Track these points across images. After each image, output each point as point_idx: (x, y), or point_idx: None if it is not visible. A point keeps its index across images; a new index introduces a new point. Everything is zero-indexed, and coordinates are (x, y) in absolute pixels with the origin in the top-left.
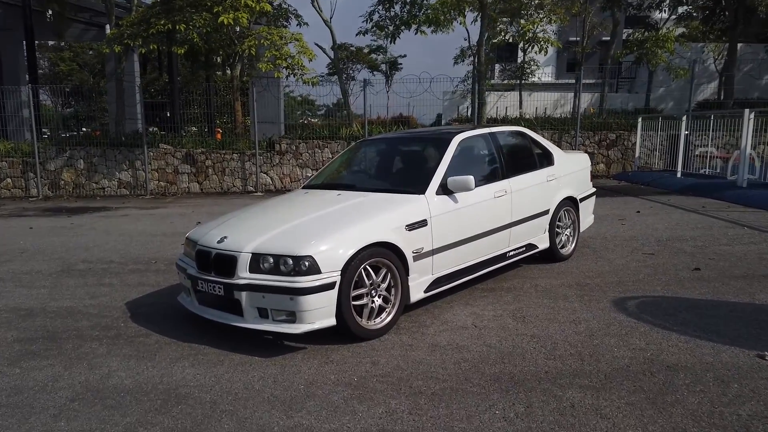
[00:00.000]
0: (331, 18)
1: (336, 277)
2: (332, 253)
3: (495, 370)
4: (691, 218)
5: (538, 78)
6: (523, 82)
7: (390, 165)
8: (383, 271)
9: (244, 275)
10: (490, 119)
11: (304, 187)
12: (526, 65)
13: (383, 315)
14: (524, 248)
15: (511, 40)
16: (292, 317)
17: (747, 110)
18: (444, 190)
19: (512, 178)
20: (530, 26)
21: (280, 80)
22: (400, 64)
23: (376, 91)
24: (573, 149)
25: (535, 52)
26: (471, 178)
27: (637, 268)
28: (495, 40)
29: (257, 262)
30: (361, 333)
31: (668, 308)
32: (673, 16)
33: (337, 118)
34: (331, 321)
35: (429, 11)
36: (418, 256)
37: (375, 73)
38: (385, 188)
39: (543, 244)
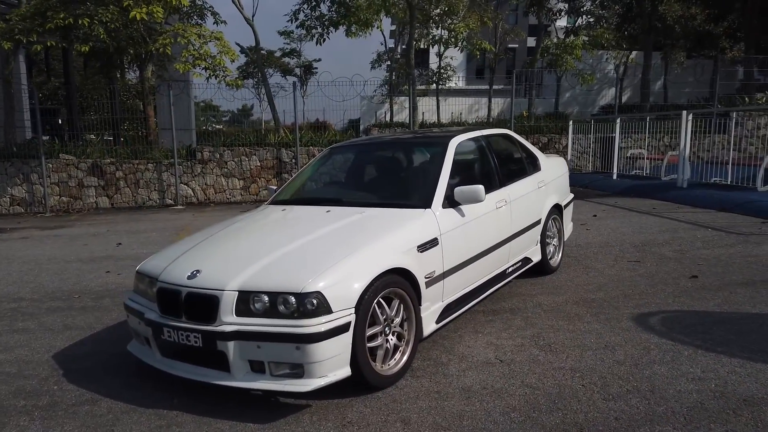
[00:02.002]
0: (253, 16)
1: (350, 317)
2: (343, 287)
3: (555, 419)
4: (650, 221)
5: (455, 83)
6: (439, 87)
7: (379, 175)
8: (396, 303)
9: (229, 320)
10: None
11: (273, 203)
12: (442, 70)
13: (397, 355)
14: (521, 263)
15: (432, 46)
16: (298, 370)
17: (684, 112)
18: (450, 202)
19: (509, 186)
20: (464, 28)
21: (191, 83)
22: (315, 68)
23: (286, 95)
24: None
25: (451, 58)
26: (481, 188)
27: (632, 278)
28: (422, 45)
29: (246, 302)
30: (377, 381)
31: (695, 324)
32: (584, 20)
33: (244, 125)
34: (346, 371)
35: (357, 11)
36: (431, 281)
37: (287, 77)
38: (380, 202)
39: (536, 256)
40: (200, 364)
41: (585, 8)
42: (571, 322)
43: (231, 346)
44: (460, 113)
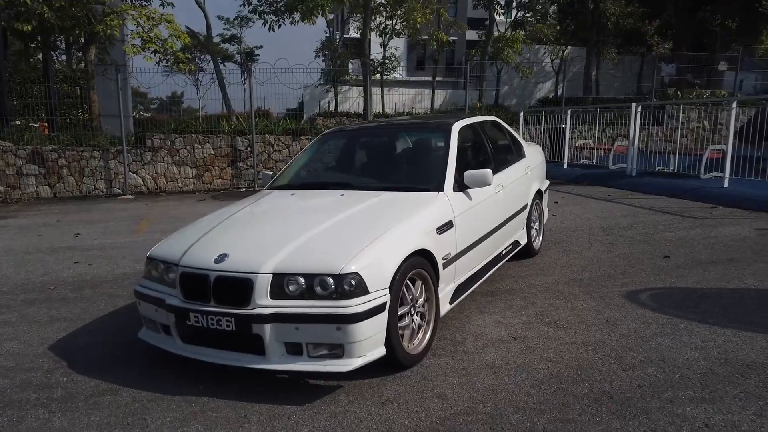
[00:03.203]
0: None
1: (385, 297)
2: (378, 268)
3: (583, 389)
4: (609, 207)
5: (400, 74)
6: (384, 78)
7: (385, 160)
8: (419, 284)
9: (264, 302)
10: (354, 114)
11: (274, 188)
12: (387, 61)
13: (420, 335)
14: (512, 246)
15: (381, 36)
16: (337, 351)
17: (634, 104)
18: (460, 186)
19: (504, 171)
20: (422, 19)
21: (130, 68)
22: (257, 55)
23: (229, 83)
24: None
25: (396, 49)
26: (489, 172)
27: (610, 259)
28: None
29: (281, 284)
30: (406, 360)
31: (682, 300)
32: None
33: (173, 113)
34: (381, 351)
35: None
36: (447, 262)
37: (225, 64)
38: (393, 186)
39: (523, 240)
40: (229, 349)
41: (529, 2)
42: (567, 301)
43: (267, 328)
44: (404, 104)
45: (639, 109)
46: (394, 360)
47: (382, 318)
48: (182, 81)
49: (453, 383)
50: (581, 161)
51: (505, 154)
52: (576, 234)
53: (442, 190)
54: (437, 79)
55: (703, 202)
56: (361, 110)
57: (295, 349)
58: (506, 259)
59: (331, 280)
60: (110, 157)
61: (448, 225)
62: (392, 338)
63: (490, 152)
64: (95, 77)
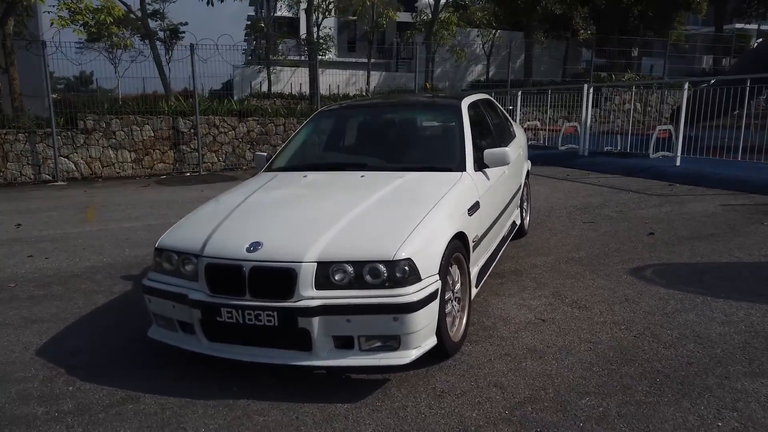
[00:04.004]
0: None
1: (437, 283)
2: (428, 253)
3: (635, 370)
4: (574, 186)
5: (334, 55)
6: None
7: (396, 139)
8: (455, 268)
9: (309, 294)
10: (290, 95)
11: (275, 169)
12: (322, 41)
13: (456, 321)
14: (511, 227)
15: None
16: (392, 343)
17: (586, 85)
18: (479, 165)
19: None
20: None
21: (46, 43)
22: (183, 32)
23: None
24: None
25: (330, 29)
26: (509, 151)
27: (598, 238)
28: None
29: (326, 273)
30: (451, 348)
31: (686, 275)
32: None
33: (82, 93)
34: (433, 340)
35: None
36: (475, 244)
37: (145, 41)
38: (412, 166)
39: (518, 220)
40: (267, 345)
41: None
42: (577, 280)
43: (315, 322)
44: (338, 85)
45: (591, 90)
46: (442, 349)
47: (435, 306)
48: (104, 58)
49: (503, 370)
50: (530, 142)
51: (502, 133)
52: (554, 214)
53: (465, 170)
54: (362, 60)
55: (660, 180)
56: (295, 91)
57: (344, 343)
58: (508, 240)
59: (383, 268)
60: (37, 141)
61: (476, 206)
62: (441, 326)
63: (493, 130)
64: (15, 52)
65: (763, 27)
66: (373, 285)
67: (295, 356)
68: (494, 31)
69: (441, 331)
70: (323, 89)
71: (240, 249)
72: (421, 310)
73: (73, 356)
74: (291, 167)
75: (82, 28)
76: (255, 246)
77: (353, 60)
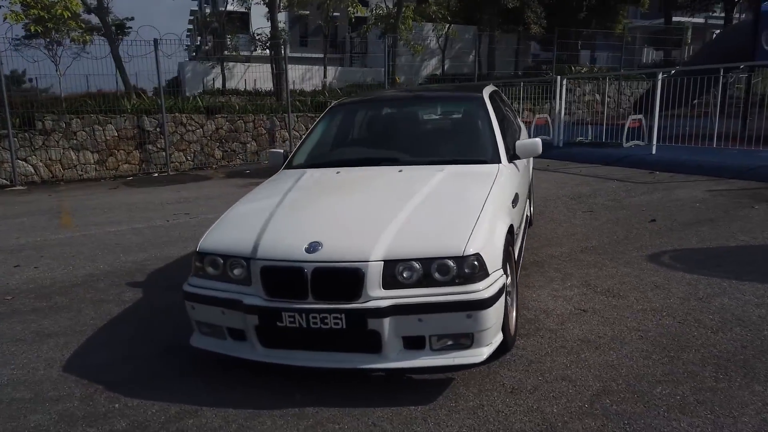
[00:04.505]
0: None
1: (502, 278)
2: (492, 247)
3: (694, 356)
4: (558, 176)
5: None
6: (273, 53)
7: (423, 131)
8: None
9: (378, 294)
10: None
11: (297, 167)
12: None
13: (510, 315)
14: (525, 218)
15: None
16: (465, 341)
17: (559, 77)
18: (511, 156)
19: (519, 141)
20: None
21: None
22: (129, 27)
23: (129, 57)
24: None
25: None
26: (539, 141)
27: (604, 226)
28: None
29: (392, 272)
30: (510, 343)
31: (703, 260)
32: None
33: (15, 93)
34: (500, 336)
35: None
36: (516, 236)
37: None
38: (446, 159)
39: (528, 211)
40: (332, 349)
41: None
42: (600, 269)
43: (386, 323)
44: (293, 81)
45: (565, 82)
46: (503, 344)
47: (503, 300)
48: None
49: (564, 363)
50: None
51: (515, 124)
52: (550, 204)
53: (500, 162)
54: (319, 55)
55: (640, 169)
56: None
57: (414, 344)
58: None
59: (452, 264)
60: None
61: (516, 198)
62: (506, 322)
63: (512, 121)
64: None
65: (710, 20)
66: (442, 282)
67: (364, 359)
68: (448, 25)
69: (504, 327)
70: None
71: (298, 250)
72: (493, 306)
73: (105, 371)
74: (318, 164)
75: (35, 24)
76: (314, 246)
77: (306, 55)
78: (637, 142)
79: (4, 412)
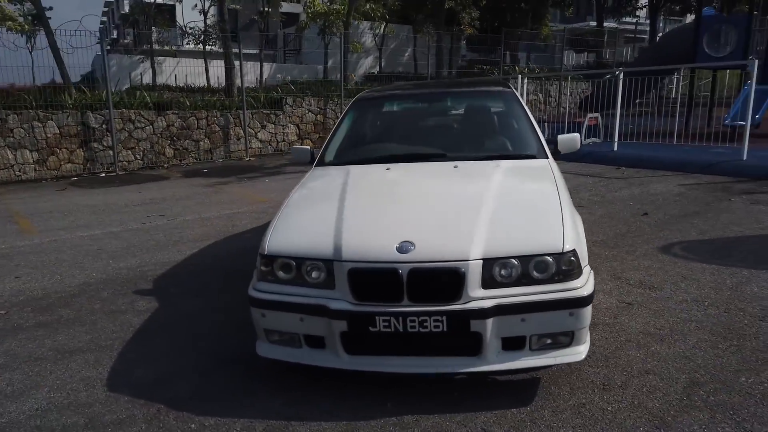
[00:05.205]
0: None
1: (591, 273)
2: (581, 243)
3: (756, 344)
4: None
5: (213, 45)
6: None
7: (461, 126)
8: None
9: (478, 294)
10: (177, 88)
11: (326, 164)
12: (210, 29)
13: None
14: None
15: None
16: (564, 339)
17: (520, 76)
18: (553, 151)
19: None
20: None
21: None
22: (49, 17)
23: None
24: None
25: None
26: (578, 136)
27: (601, 221)
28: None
29: (490, 271)
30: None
31: (714, 250)
32: None
33: None
34: (588, 333)
35: None
36: None
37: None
38: (496, 155)
39: None
40: (427, 354)
41: None
42: (621, 262)
43: (489, 324)
44: (217, 76)
45: (525, 81)
46: None
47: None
48: None
49: (640, 356)
50: None
51: None
52: None
53: (547, 157)
54: (252, 51)
55: (606, 165)
56: (181, 83)
57: (511, 344)
58: None
59: (551, 261)
60: None
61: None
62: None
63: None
64: None
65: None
66: (540, 280)
67: (463, 363)
68: (384, 23)
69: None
70: (213, 80)
71: (389, 250)
72: (591, 303)
73: (159, 388)
74: (357, 160)
75: None
76: (406, 246)
77: (237, 51)
78: (594, 139)
79: None
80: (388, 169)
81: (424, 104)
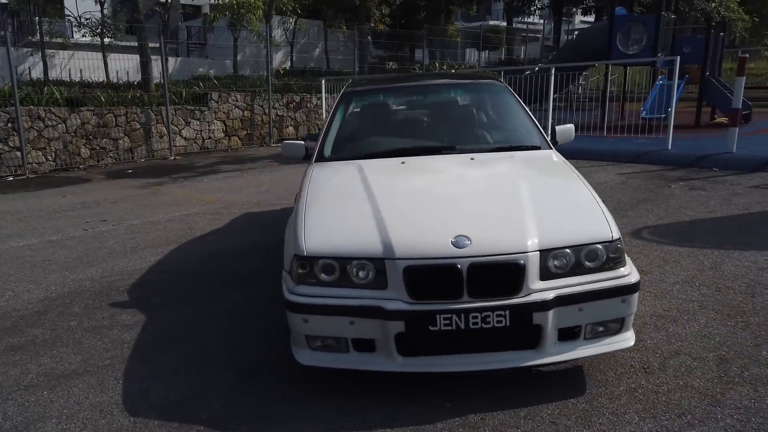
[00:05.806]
0: None
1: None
2: (619, 230)
3: (763, 319)
4: None
5: (112, 38)
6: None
7: (463, 118)
8: None
9: (536, 286)
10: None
11: (326, 159)
12: (108, 21)
13: None
14: None
15: None
16: (615, 326)
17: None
18: (553, 142)
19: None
20: None
21: None
22: None
23: None
24: (267, 113)
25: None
26: (573, 127)
27: None
28: None
29: (545, 262)
30: None
31: (678, 233)
32: None
33: None
34: None
35: None
36: None
37: None
38: (504, 146)
39: None
40: (485, 350)
41: None
42: None
43: (550, 315)
44: (127, 71)
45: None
46: None
47: None
48: None
49: (662, 338)
50: None
51: None
52: None
53: (551, 147)
54: (154, 45)
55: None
56: (75, 77)
57: (567, 335)
58: None
59: (602, 249)
60: None
61: None
62: None
63: None
64: None
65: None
66: (591, 269)
67: (523, 357)
68: (295, 18)
69: None
70: (113, 75)
71: (445, 245)
72: (639, 289)
73: (189, 407)
74: (363, 155)
75: None
76: (462, 241)
77: (135, 44)
78: None
79: None
80: (402, 162)
81: (420, 96)
